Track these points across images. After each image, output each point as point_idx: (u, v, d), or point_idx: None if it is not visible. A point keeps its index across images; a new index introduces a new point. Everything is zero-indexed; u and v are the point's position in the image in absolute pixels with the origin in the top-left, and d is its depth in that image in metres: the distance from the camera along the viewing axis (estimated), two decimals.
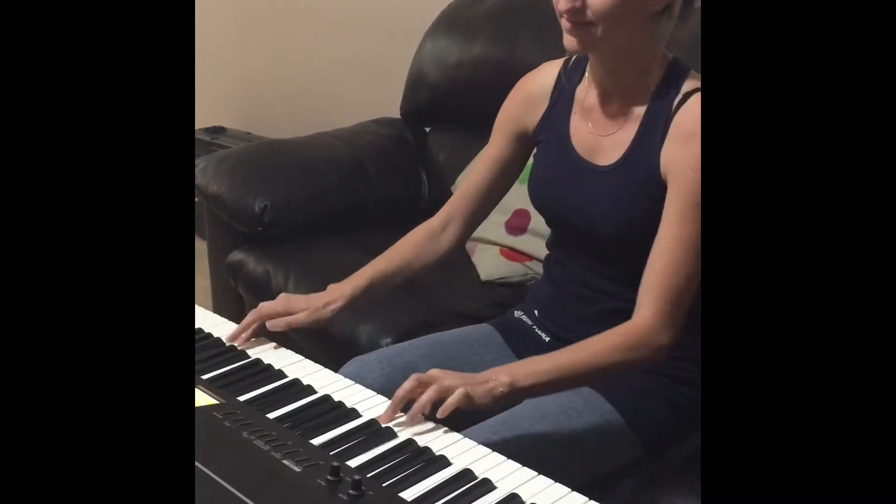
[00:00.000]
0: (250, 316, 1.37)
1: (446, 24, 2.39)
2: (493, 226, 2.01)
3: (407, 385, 1.15)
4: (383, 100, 2.60)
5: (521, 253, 1.97)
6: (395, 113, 2.53)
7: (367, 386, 1.31)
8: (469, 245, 2.08)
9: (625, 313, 1.30)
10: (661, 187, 1.25)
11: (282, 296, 1.41)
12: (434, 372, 1.17)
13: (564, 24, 1.23)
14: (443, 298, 1.88)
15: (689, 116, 1.23)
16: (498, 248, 2.01)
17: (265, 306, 1.38)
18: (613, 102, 1.30)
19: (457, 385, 1.14)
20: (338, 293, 1.40)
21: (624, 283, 1.30)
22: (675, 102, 1.25)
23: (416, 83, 2.43)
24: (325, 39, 3.06)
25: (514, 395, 1.18)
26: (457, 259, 2.05)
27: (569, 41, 1.23)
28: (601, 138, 1.31)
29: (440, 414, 1.12)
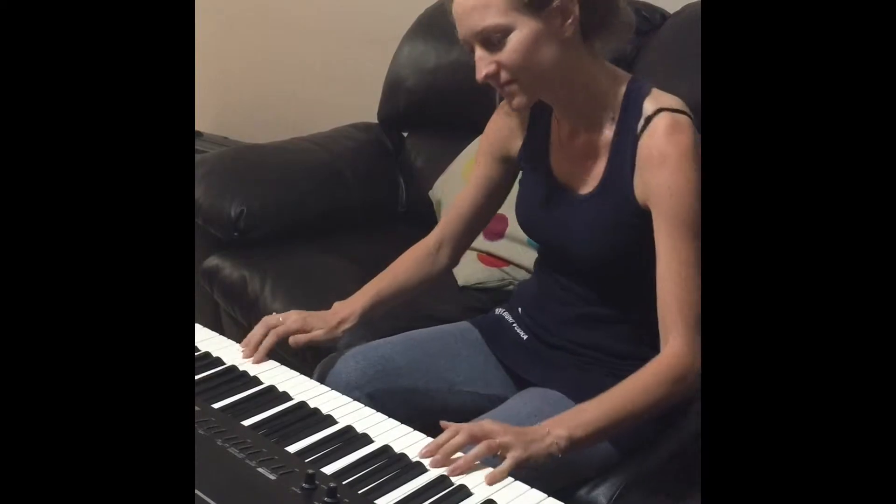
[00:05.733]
0: (260, 328, 1.37)
1: (424, 28, 2.39)
2: None
3: (459, 439, 1.08)
4: (361, 104, 2.59)
5: (499, 258, 1.97)
6: (373, 118, 2.52)
7: (342, 380, 1.32)
8: None
9: (601, 318, 1.32)
10: (638, 213, 1.25)
11: (293, 313, 1.41)
12: (485, 424, 1.11)
13: (498, 91, 1.24)
14: (420, 303, 1.87)
15: (652, 141, 1.22)
16: (476, 253, 2.01)
17: (280, 327, 1.38)
18: (582, 133, 1.31)
19: (509, 444, 1.08)
20: (348, 311, 1.42)
21: (603, 297, 1.33)
22: (639, 127, 1.24)
23: (393, 88, 2.43)
24: (302, 44, 3.05)
25: (571, 449, 1.14)
26: None
27: (509, 103, 1.24)
28: (579, 168, 1.32)
29: (489, 481, 1.05)
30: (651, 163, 1.22)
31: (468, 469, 1.07)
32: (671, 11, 2.02)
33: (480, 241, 2.00)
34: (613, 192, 1.27)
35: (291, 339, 1.37)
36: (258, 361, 1.32)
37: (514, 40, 1.18)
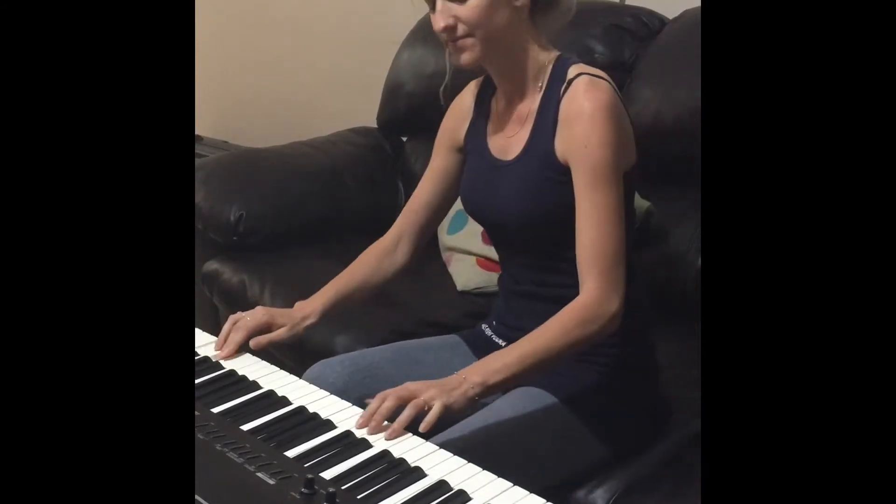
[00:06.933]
0: (228, 326, 1.38)
1: (423, 33, 2.39)
2: (470, 236, 2.01)
3: (388, 403, 1.15)
4: (360, 109, 2.59)
5: (498, 262, 1.97)
6: (372, 122, 2.52)
7: (330, 385, 1.33)
8: (446, 255, 2.08)
9: (565, 300, 1.32)
10: (557, 169, 1.32)
11: (259, 309, 1.42)
12: (409, 385, 1.18)
13: (449, 46, 1.34)
14: (419, 309, 1.87)
15: (572, 99, 1.30)
16: (474, 257, 2.01)
17: (247, 323, 1.38)
18: (514, 104, 1.40)
19: (433, 396, 1.16)
20: (310, 309, 1.45)
21: (555, 272, 1.37)
22: (562, 90, 1.32)
23: (393, 93, 2.43)
24: (302, 48, 3.05)
25: (486, 393, 1.21)
26: (433, 269, 2.05)
27: (455, 58, 1.34)
28: (509, 139, 1.40)
29: (423, 429, 1.14)
30: (569, 119, 1.30)
31: (402, 431, 1.14)
32: (670, 17, 2.03)
33: (479, 246, 2.00)
34: (536, 153, 1.34)
35: (252, 342, 1.37)
36: (228, 357, 1.34)
37: None
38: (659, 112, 1.82)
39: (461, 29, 1.30)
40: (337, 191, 2.30)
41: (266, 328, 1.40)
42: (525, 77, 1.37)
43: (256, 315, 1.40)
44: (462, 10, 1.29)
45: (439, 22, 1.30)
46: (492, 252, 1.98)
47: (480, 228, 1.99)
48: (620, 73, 1.95)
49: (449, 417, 1.17)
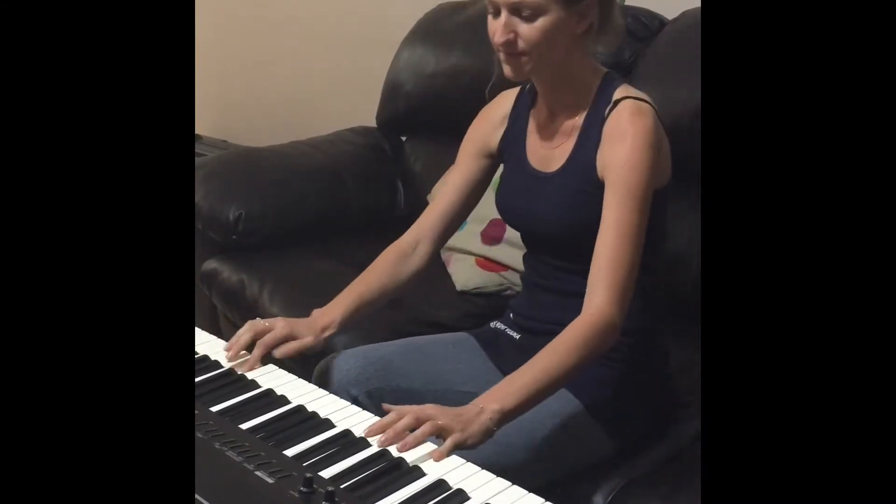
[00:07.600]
0: (247, 331, 1.36)
1: (423, 33, 2.39)
2: (469, 236, 2.01)
3: (406, 421, 1.13)
4: (359, 109, 2.59)
5: (497, 263, 1.97)
6: (372, 122, 2.52)
7: (343, 377, 1.34)
8: (445, 255, 2.08)
9: (578, 295, 1.34)
10: (596, 184, 1.35)
11: (279, 320, 1.40)
12: (428, 409, 1.15)
13: (501, 55, 1.35)
14: (419, 309, 1.87)
15: (616, 121, 1.34)
16: (474, 258, 2.01)
17: (269, 336, 1.36)
18: (559, 118, 1.42)
19: (449, 428, 1.13)
20: (329, 319, 1.42)
21: (578, 273, 1.37)
22: (607, 110, 1.35)
23: (392, 92, 2.43)
24: (302, 48, 3.05)
25: (504, 420, 1.18)
26: (433, 269, 2.04)
27: (506, 70, 1.36)
28: (552, 150, 1.43)
29: (437, 458, 1.10)
30: (612, 138, 1.34)
31: (416, 445, 1.11)
32: (670, 17, 2.03)
33: (479, 246, 2.00)
34: (578, 167, 1.38)
35: (277, 352, 1.35)
36: (249, 370, 1.31)
37: (544, 20, 1.31)
38: (658, 112, 1.82)
39: (520, 46, 1.32)
40: (336, 190, 2.30)
41: (289, 337, 1.37)
42: (573, 93, 1.40)
43: (276, 326, 1.38)
44: (525, 29, 1.31)
45: (500, 36, 1.32)
46: (491, 252, 1.99)
47: (480, 228, 1.99)
48: (620, 73, 1.95)
49: (462, 449, 1.14)
